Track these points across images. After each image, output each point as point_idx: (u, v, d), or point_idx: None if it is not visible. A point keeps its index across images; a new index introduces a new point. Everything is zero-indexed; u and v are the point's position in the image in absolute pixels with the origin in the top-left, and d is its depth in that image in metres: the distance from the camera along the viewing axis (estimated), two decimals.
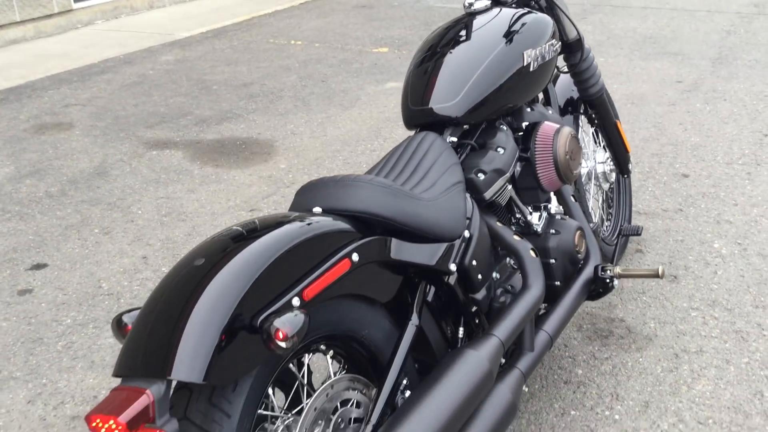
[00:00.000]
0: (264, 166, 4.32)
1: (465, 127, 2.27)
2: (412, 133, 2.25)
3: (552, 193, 2.46)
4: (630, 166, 3.03)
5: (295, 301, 1.51)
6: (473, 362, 1.77)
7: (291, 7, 8.42)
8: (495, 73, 2.23)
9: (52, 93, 5.78)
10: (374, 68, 6.05)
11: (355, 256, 1.65)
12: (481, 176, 2.11)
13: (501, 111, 2.28)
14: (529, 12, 2.42)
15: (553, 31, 2.43)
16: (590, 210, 2.82)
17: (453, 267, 1.90)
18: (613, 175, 3.03)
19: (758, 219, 3.43)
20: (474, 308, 2.01)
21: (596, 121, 2.93)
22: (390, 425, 1.61)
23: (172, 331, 1.40)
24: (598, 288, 2.39)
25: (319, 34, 7.22)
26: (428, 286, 1.92)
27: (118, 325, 1.57)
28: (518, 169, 2.31)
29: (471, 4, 2.43)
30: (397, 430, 1.59)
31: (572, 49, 2.64)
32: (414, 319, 1.84)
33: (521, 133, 2.33)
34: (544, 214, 2.35)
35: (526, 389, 2.43)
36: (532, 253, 2.12)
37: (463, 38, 2.33)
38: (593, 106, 2.85)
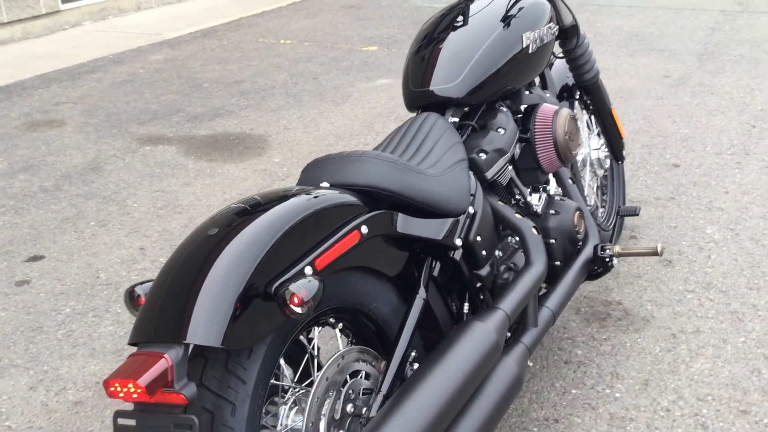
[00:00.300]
0: (258, 160, 4.33)
1: (465, 109, 2.30)
2: (413, 115, 2.27)
3: (551, 175, 2.49)
4: (624, 153, 3.07)
5: (308, 270, 1.53)
6: (481, 333, 1.79)
7: (279, 8, 8.44)
8: (495, 54, 2.26)
9: (42, 91, 5.77)
10: (364, 66, 6.07)
11: (364, 229, 1.67)
12: (483, 156, 2.14)
13: (500, 93, 2.31)
14: None
15: (551, 15, 2.47)
16: (586, 195, 2.85)
17: (458, 242, 1.93)
18: (608, 161, 3.07)
19: (749, 206, 3.48)
20: (479, 284, 2.04)
21: (591, 107, 2.97)
22: (400, 395, 1.63)
23: (189, 297, 1.42)
24: (598, 267, 2.42)
25: (308, 33, 7.24)
26: (434, 262, 1.95)
27: (131, 296, 1.59)
28: (518, 150, 2.33)
29: None
30: (407, 400, 1.61)
31: (568, 34, 2.67)
32: (422, 293, 1.86)
33: (520, 116, 2.37)
34: (544, 195, 2.38)
35: (531, 364, 2.46)
36: (534, 231, 2.15)
37: (463, 22, 2.36)
38: (588, 92, 2.89)
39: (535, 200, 2.35)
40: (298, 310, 1.43)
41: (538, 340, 2.06)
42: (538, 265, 2.09)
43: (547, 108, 2.33)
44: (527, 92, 2.45)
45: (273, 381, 1.63)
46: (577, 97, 2.95)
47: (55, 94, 5.69)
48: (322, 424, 1.63)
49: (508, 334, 2.00)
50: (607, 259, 2.38)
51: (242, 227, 1.53)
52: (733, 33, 6.46)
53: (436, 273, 1.95)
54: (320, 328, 1.80)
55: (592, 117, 3.04)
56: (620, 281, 2.96)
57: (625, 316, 2.75)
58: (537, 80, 2.66)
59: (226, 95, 5.49)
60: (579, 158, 2.94)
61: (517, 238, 2.24)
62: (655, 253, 2.32)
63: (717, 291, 2.86)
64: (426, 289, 1.88)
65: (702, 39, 6.33)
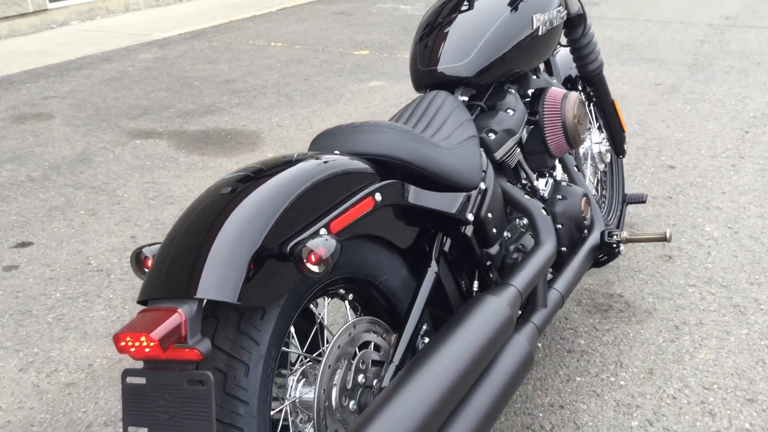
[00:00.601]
0: (251, 155, 4.28)
1: (473, 91, 2.27)
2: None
3: (557, 161, 2.47)
4: (625, 147, 3.05)
5: (322, 232, 1.48)
6: (494, 306, 1.75)
7: (269, 12, 8.41)
8: (505, 34, 2.23)
9: (29, 86, 5.69)
10: (356, 68, 6.05)
11: (378, 196, 1.63)
12: (492, 136, 2.11)
13: (509, 75, 2.29)
14: None
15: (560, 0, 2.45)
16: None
17: (470, 217, 1.89)
18: (609, 155, 3.05)
19: (746, 206, 3.48)
20: (489, 263, 2.00)
21: (593, 99, 2.95)
22: (413, 365, 1.58)
23: (201, 254, 1.37)
24: (604, 253, 2.39)
25: (299, 37, 7.22)
26: (445, 238, 1.91)
27: (137, 258, 1.54)
28: (525, 134, 2.31)
29: None
30: (420, 370, 1.56)
31: (574, 23, 2.66)
32: (433, 266, 1.83)
33: (528, 100, 2.34)
34: (550, 181, 2.36)
35: (540, 345, 2.42)
36: (544, 212, 2.12)
37: (469, 5, 2.33)
38: (591, 84, 2.87)
39: (542, 185, 2.33)
40: (315, 268, 1.38)
41: (547, 320, 2.02)
42: (548, 245, 2.06)
43: (556, 91, 2.31)
44: (534, 77, 2.43)
45: (284, 348, 1.59)
46: (580, 88, 2.93)
47: (42, 89, 5.61)
48: (334, 393, 1.58)
49: (519, 313, 1.96)
50: (614, 245, 2.36)
51: (255, 187, 1.48)
52: (722, 45, 6.51)
53: (446, 249, 1.91)
54: (329, 299, 1.75)
55: (594, 109, 3.02)
56: (621, 275, 2.93)
57: (626, 308, 2.72)
58: (542, 67, 2.64)
59: (217, 93, 5.44)
60: (581, 151, 2.92)
61: (525, 222, 2.21)
62: (663, 239, 2.30)
63: (718, 285, 2.84)
64: (437, 263, 1.84)
65: (691, 50, 6.38)
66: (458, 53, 2.20)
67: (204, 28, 7.68)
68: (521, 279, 1.90)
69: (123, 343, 1.30)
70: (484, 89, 2.26)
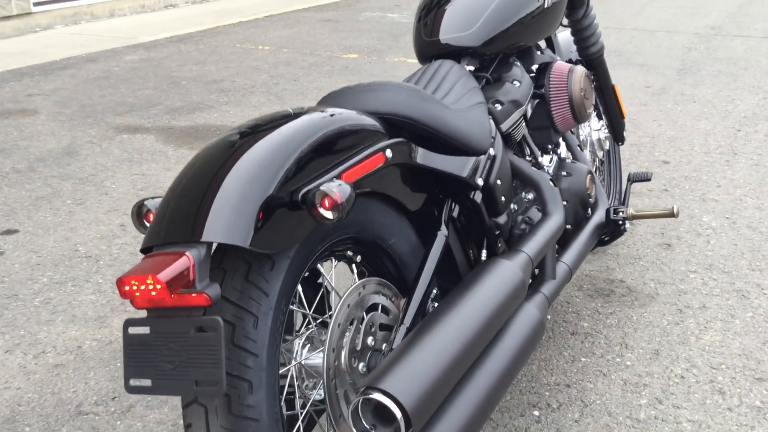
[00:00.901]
0: None
1: (478, 63, 2.23)
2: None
3: (561, 140, 2.43)
4: (625, 134, 3.02)
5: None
6: (507, 269, 1.70)
7: (255, 19, 8.37)
8: (512, 5, 2.20)
9: (13, 84, 5.60)
10: (345, 71, 6.01)
11: (389, 153, 1.58)
12: (498, 107, 2.07)
13: (514, 47, 2.25)
14: None
15: None
16: None
17: (480, 182, 1.84)
18: (608, 142, 3.02)
19: (743, 198, 3.46)
20: (497, 232, 1.95)
21: (594, 84, 2.92)
22: (424, 325, 1.52)
23: (211, 197, 1.31)
24: (609, 231, 2.35)
25: (287, 41, 7.18)
26: (453, 204, 1.86)
27: (139, 212, 1.47)
28: (530, 109, 2.27)
29: None
30: (432, 330, 1.50)
31: (575, 4, 2.63)
32: (443, 230, 1.77)
33: (533, 75, 2.30)
34: (555, 158, 2.32)
35: (550, 317, 2.36)
36: (551, 183, 2.07)
37: None
38: (592, 67, 2.83)
39: (546, 161, 2.29)
40: (329, 214, 1.32)
41: (557, 291, 1.97)
42: (557, 215, 2.01)
43: (562, 65, 2.27)
44: (539, 52, 2.40)
45: (291, 307, 1.52)
46: None
47: (26, 87, 5.52)
48: (344, 354, 1.52)
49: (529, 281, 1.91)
50: (620, 222, 2.32)
51: (266, 136, 1.42)
52: (709, 52, 6.54)
53: (455, 215, 1.85)
54: (336, 262, 1.69)
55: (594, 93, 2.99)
56: (621, 262, 2.89)
57: (629, 293, 2.67)
58: (544, 44, 2.60)
59: (204, 92, 5.37)
60: (580, 137, 2.89)
61: (531, 197, 2.17)
62: (671, 215, 2.26)
63: (719, 272, 2.80)
64: (447, 228, 1.79)
65: (679, 56, 6.40)
66: (464, 23, 2.16)
67: (190, 32, 7.62)
68: (531, 246, 1.85)
69: (127, 288, 1.23)
70: (489, 61, 2.22)
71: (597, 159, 3.06)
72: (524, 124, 2.19)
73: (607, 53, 6.48)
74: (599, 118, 3.01)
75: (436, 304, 1.73)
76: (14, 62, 6.29)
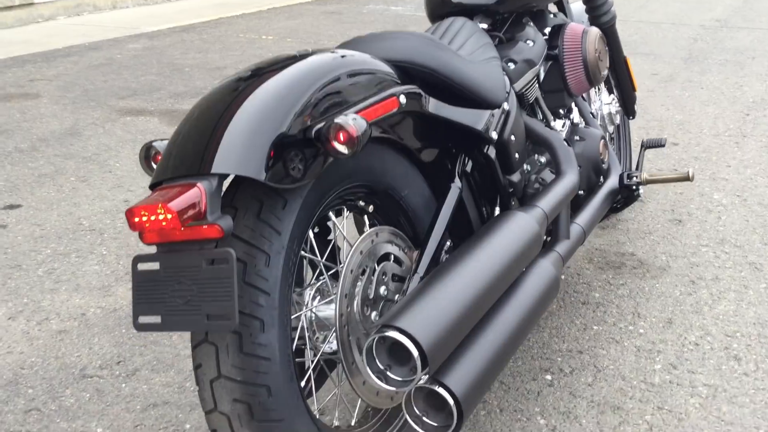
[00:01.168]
0: None
1: (491, 21, 2.19)
2: None
3: (573, 105, 2.39)
4: (636, 107, 2.98)
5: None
6: (523, 221, 1.66)
7: (259, 11, 8.34)
8: None
9: (15, 70, 5.57)
10: None
11: (402, 98, 1.54)
12: (512, 66, 2.03)
13: (527, 7, 2.21)
14: None
15: None
16: None
17: (494, 135, 1.80)
18: (618, 117, 2.98)
19: (753, 177, 3.42)
20: (510, 190, 1.91)
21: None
22: (442, 267, 1.49)
23: (222, 129, 1.27)
24: (623, 197, 2.31)
25: (291, 31, 7.14)
26: (467, 159, 1.82)
27: (147, 154, 1.43)
28: (543, 72, 2.23)
29: None
30: (449, 273, 1.46)
31: None
32: (457, 182, 1.73)
33: (546, 38, 2.27)
34: (567, 122, 2.28)
35: (563, 277, 2.32)
36: (565, 143, 2.04)
37: None
38: (604, 36, 2.79)
39: (559, 126, 2.25)
40: (343, 148, 1.28)
41: (571, 251, 1.93)
42: (571, 174, 1.97)
43: (576, 26, 2.24)
44: (552, 15, 2.36)
45: (302, 253, 1.49)
46: None
47: (29, 73, 5.49)
48: (356, 301, 1.48)
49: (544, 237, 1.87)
50: (634, 187, 2.28)
51: (278, 74, 1.39)
52: (715, 43, 6.51)
53: (468, 170, 1.82)
54: (348, 212, 1.65)
55: None
56: (631, 236, 2.85)
57: (640, 265, 2.63)
58: (556, 10, 2.57)
59: (208, 78, 5.34)
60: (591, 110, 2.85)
61: (544, 159, 2.13)
62: (686, 178, 2.23)
63: (731, 245, 2.77)
64: (461, 181, 1.75)
65: (685, 46, 6.36)
66: None
67: (193, 23, 7.59)
68: (546, 201, 1.82)
69: (137, 219, 1.20)
70: (502, 22, 2.19)
71: (607, 133, 3.02)
72: (537, 86, 2.16)
73: None
74: (610, 92, 2.97)
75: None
76: (16, 50, 6.26)
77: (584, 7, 2.72)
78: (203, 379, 1.30)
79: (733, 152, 3.75)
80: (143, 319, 1.25)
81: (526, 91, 2.08)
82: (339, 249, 1.65)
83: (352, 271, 1.48)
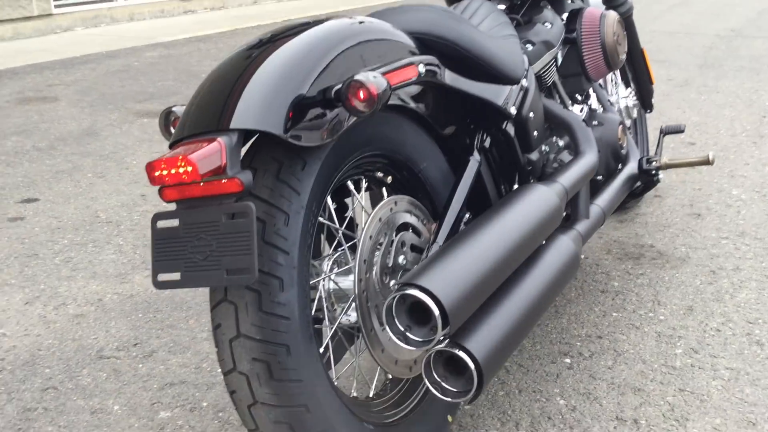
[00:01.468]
0: None
1: (508, 3, 2.19)
2: None
3: (591, 91, 2.38)
4: (653, 100, 2.97)
5: None
6: (544, 193, 1.65)
7: (273, 23, 8.40)
8: None
9: (34, 76, 5.62)
10: None
11: (421, 68, 1.54)
12: (530, 47, 2.03)
13: None
14: None
15: None
16: None
17: (513, 110, 1.80)
18: (635, 110, 2.97)
19: None
20: (529, 168, 1.90)
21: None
22: (464, 232, 1.47)
23: (242, 89, 1.27)
24: (643, 182, 2.30)
25: None
26: (485, 135, 1.81)
27: (167, 119, 1.44)
28: (561, 56, 2.23)
29: None
30: (471, 237, 1.45)
31: None
32: (475, 155, 1.72)
33: (564, 22, 2.26)
34: (585, 108, 2.27)
35: (584, 257, 2.30)
36: (584, 124, 2.03)
37: None
38: None
39: (577, 111, 2.24)
40: (362, 106, 1.27)
41: (590, 230, 1.92)
42: (590, 154, 1.96)
43: (594, 10, 2.23)
44: (569, 0, 2.36)
45: (321, 219, 1.48)
46: None
47: (47, 78, 5.54)
48: (375, 269, 1.47)
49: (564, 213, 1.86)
50: (654, 172, 2.26)
51: (297, 37, 1.38)
52: (731, 51, 6.49)
53: (487, 145, 1.81)
54: (366, 183, 1.65)
55: None
56: (650, 229, 2.83)
57: (659, 256, 2.61)
58: None
59: None
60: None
61: (563, 143, 2.12)
62: (707, 162, 2.21)
63: (752, 238, 2.74)
64: (479, 155, 1.74)
65: (701, 54, 6.35)
66: None
67: (209, 34, 7.65)
68: (566, 177, 1.80)
69: (158, 173, 1.20)
70: (520, 5, 2.19)
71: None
72: (555, 70, 2.15)
73: None
74: (627, 85, 2.96)
75: None
76: (34, 58, 6.32)
77: None
78: (222, 339, 1.29)
79: (750, 151, 3.73)
80: (162, 277, 1.24)
81: (543, 73, 2.07)
82: (357, 225, 1.65)
83: (371, 237, 1.47)
